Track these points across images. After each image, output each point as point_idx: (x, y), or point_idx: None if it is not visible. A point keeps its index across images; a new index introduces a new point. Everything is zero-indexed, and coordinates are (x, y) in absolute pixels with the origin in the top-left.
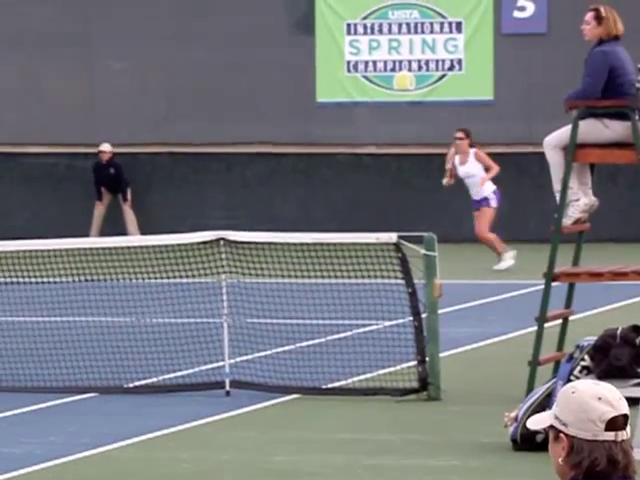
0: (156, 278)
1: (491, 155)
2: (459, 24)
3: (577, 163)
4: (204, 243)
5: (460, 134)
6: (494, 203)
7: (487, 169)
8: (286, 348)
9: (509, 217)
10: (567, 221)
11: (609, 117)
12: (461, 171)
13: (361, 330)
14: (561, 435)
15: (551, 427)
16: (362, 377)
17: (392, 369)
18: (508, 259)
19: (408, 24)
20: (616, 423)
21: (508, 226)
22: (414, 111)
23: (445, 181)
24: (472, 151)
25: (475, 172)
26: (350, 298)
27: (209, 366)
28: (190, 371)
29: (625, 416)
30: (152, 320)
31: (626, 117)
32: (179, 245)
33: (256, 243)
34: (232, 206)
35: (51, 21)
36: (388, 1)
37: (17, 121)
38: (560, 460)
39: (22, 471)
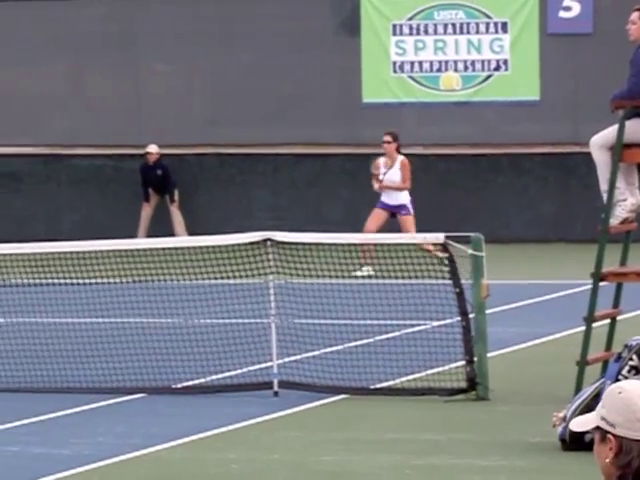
0: (203, 279)
1: (537, 155)
2: (505, 24)
3: (624, 163)
4: (251, 244)
5: (387, 137)
6: (412, 210)
7: (403, 179)
8: (334, 348)
9: (556, 217)
10: (614, 221)
11: None
12: (384, 173)
13: (409, 330)
14: (609, 436)
15: (597, 428)
16: (410, 377)
17: (440, 369)
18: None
19: (454, 24)
20: None
21: (555, 226)
22: (460, 111)
23: (376, 187)
24: (399, 158)
25: (396, 179)
26: (398, 298)
27: (257, 366)
28: (238, 371)
29: None
30: (200, 321)
31: None
32: (226, 246)
33: (303, 244)
34: (279, 207)
35: (97, 24)
36: (434, 2)
37: (64, 123)
38: (607, 460)
39: (71, 472)
